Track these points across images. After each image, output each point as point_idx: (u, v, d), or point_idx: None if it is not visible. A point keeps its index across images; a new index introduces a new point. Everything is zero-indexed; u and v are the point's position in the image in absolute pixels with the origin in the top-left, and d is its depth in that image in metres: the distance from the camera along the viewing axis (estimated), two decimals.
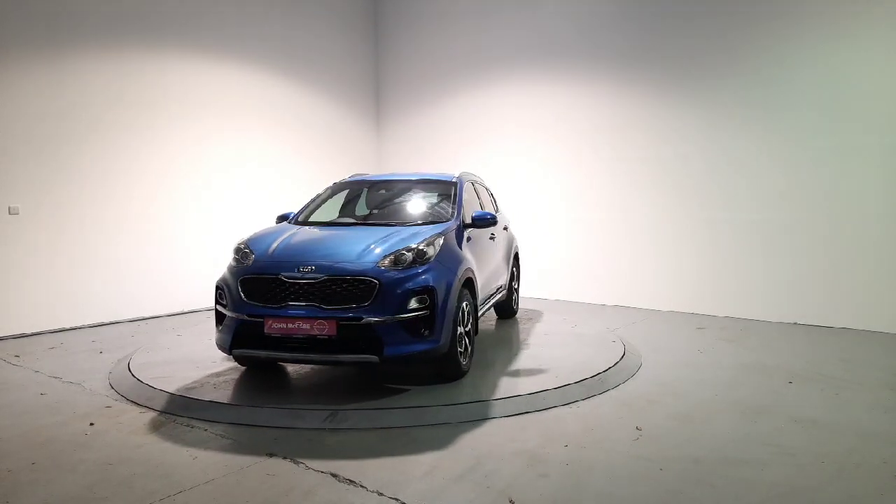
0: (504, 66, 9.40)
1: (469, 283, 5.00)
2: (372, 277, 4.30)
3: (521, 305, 7.90)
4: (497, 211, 7.03)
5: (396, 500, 3.03)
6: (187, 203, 8.21)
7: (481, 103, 9.70)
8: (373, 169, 10.73)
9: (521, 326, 6.94)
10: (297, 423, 4.02)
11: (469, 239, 5.37)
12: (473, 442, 3.74)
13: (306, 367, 5.20)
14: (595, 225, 8.70)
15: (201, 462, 3.48)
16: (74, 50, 7.09)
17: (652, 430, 3.91)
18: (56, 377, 5.17)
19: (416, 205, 5.85)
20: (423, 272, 4.45)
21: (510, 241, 7.16)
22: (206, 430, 3.96)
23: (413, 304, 4.34)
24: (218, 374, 5.00)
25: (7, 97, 6.62)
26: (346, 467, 3.39)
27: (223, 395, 4.50)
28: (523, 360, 5.41)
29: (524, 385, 4.66)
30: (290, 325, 4.27)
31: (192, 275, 8.07)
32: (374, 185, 6.29)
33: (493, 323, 7.13)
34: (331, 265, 4.37)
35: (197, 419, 4.13)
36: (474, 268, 5.20)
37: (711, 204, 7.72)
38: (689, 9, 7.73)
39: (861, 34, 6.67)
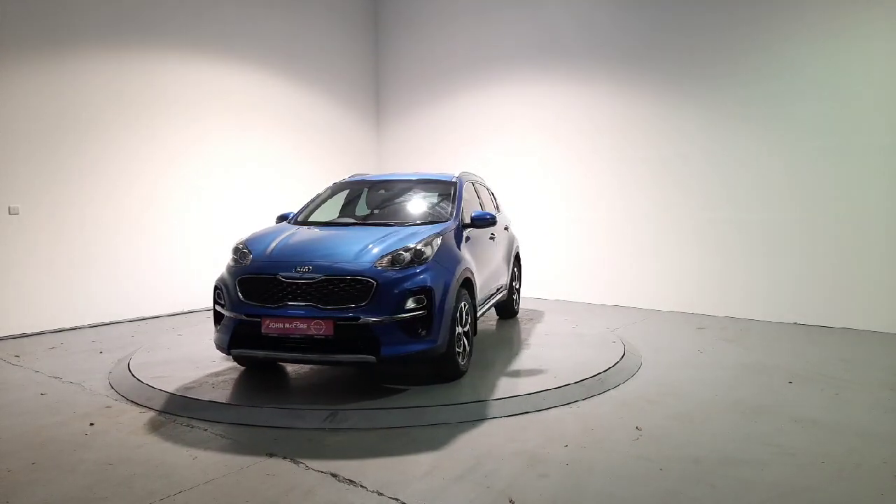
0: (504, 66, 9.40)
1: (468, 284, 4.99)
2: (369, 277, 4.30)
3: (521, 305, 7.90)
4: (498, 211, 7.02)
5: (396, 500, 3.03)
6: (187, 203, 8.21)
7: (481, 103, 9.70)
8: (373, 169, 10.73)
9: (522, 326, 6.93)
10: (297, 423, 4.02)
11: (468, 239, 5.36)
12: (473, 442, 3.74)
13: (305, 367, 5.20)
14: (595, 225, 8.70)
15: (201, 462, 3.48)
16: (74, 49, 7.09)
17: (652, 431, 3.91)
18: (56, 377, 5.17)
19: (416, 205, 5.84)
20: (421, 272, 4.45)
21: (511, 242, 7.15)
22: (206, 430, 3.96)
23: (410, 304, 4.34)
24: (217, 374, 5.00)
25: (7, 97, 6.62)
26: (346, 467, 3.38)
27: (223, 395, 4.50)
28: (523, 360, 5.41)
29: (524, 385, 4.66)
30: (287, 325, 4.27)
31: (192, 275, 8.07)
32: (373, 185, 6.28)
33: (494, 323, 7.13)
34: (328, 265, 4.37)
35: (197, 419, 4.13)
36: (473, 268, 5.20)
37: (712, 204, 7.72)
38: (689, 8, 7.73)
39: (862, 33, 6.66)
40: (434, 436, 3.84)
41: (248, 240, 4.94)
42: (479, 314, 5.46)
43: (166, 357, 5.55)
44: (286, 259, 4.51)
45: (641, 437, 3.80)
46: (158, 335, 6.67)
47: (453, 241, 5.04)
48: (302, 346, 4.31)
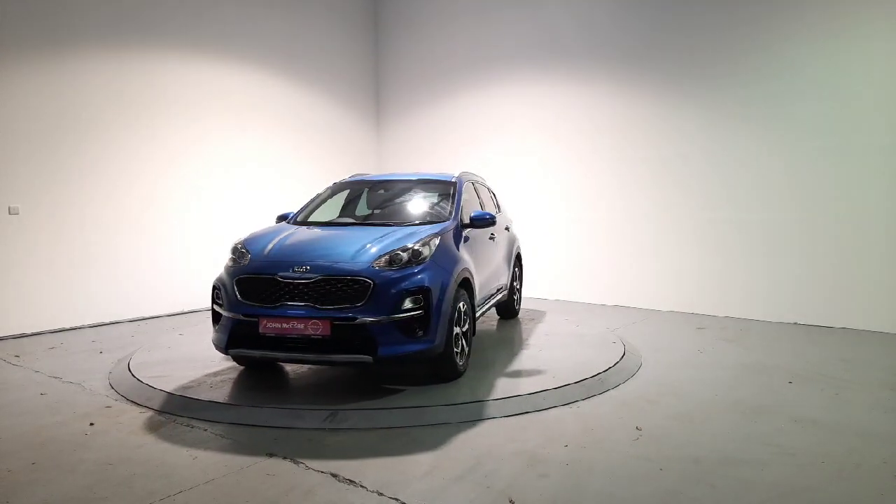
0: (504, 66, 9.40)
1: (466, 284, 4.99)
2: (366, 277, 4.30)
3: (522, 305, 7.89)
4: (498, 211, 7.02)
5: (396, 500, 3.03)
6: (187, 203, 8.21)
7: (481, 103, 9.70)
8: (373, 169, 10.73)
9: (522, 327, 6.94)
10: (297, 423, 4.02)
11: (467, 239, 5.36)
12: (473, 442, 3.74)
13: (305, 367, 5.21)
14: (595, 225, 8.70)
15: (201, 462, 3.48)
16: (74, 49, 7.09)
17: (652, 431, 3.91)
18: (56, 377, 5.17)
19: (415, 205, 5.84)
20: (419, 272, 4.45)
21: (511, 242, 7.15)
22: (205, 430, 3.96)
23: (407, 304, 4.33)
24: (217, 374, 5.00)
25: (7, 97, 6.62)
26: (346, 467, 3.38)
27: (223, 394, 4.50)
28: (523, 360, 5.41)
29: (524, 385, 4.66)
30: (284, 325, 4.28)
31: (192, 275, 8.07)
32: (373, 185, 6.28)
33: (495, 323, 7.13)
34: (325, 265, 4.37)
35: (197, 419, 4.13)
36: (472, 268, 5.19)
37: (712, 204, 7.73)
38: (689, 8, 7.73)
39: (862, 33, 6.66)
40: (434, 436, 3.84)
41: (246, 240, 4.94)
42: (478, 314, 5.45)
43: (166, 357, 5.55)
44: (284, 259, 4.51)
45: (641, 437, 3.80)
46: (158, 335, 6.67)
47: (452, 241, 5.03)
48: (299, 346, 4.31)
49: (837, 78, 6.82)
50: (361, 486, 3.17)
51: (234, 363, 5.23)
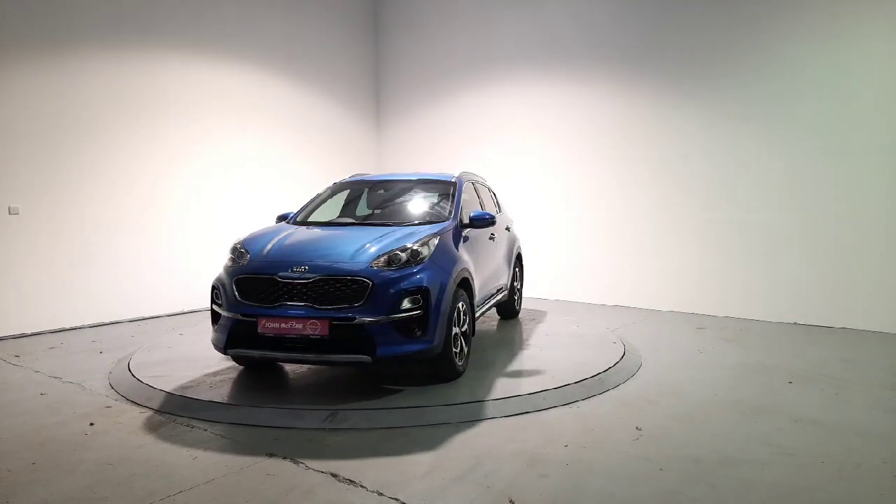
0: (504, 66, 9.40)
1: (465, 284, 4.98)
2: (365, 277, 4.30)
3: (522, 305, 7.89)
4: (499, 211, 7.02)
5: (396, 500, 3.03)
6: (187, 203, 8.21)
7: (481, 103, 9.70)
8: (373, 169, 10.73)
9: (522, 327, 6.93)
10: (297, 423, 4.02)
11: (466, 239, 5.36)
12: (473, 442, 3.74)
13: (304, 367, 5.21)
14: (595, 225, 8.70)
15: (201, 462, 3.48)
16: (74, 49, 7.09)
17: (652, 431, 3.91)
18: (56, 377, 5.17)
19: (414, 205, 5.84)
20: (417, 272, 4.44)
21: (512, 242, 7.14)
22: (205, 430, 3.96)
23: (406, 304, 4.33)
24: (217, 374, 5.00)
25: (6, 97, 6.62)
26: (346, 467, 3.38)
27: (223, 394, 4.50)
28: (523, 360, 5.41)
29: (524, 385, 4.66)
30: (282, 325, 4.28)
31: (192, 275, 8.07)
32: (373, 185, 6.28)
33: (496, 323, 7.13)
34: (324, 265, 4.37)
35: (197, 419, 4.13)
36: (471, 268, 5.19)
37: (712, 204, 7.73)
38: (689, 8, 7.73)
39: (862, 33, 6.67)
40: (434, 436, 3.84)
41: (245, 240, 4.95)
42: (477, 314, 5.45)
43: (166, 357, 5.55)
44: (283, 259, 4.51)
45: (641, 437, 3.80)
46: (158, 335, 6.67)
47: (451, 241, 5.03)
48: (298, 346, 4.31)
49: (837, 78, 6.82)
50: (361, 486, 3.17)
51: (234, 363, 5.23)
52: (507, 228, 7.06)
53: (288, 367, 5.24)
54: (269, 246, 4.73)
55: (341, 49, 10.31)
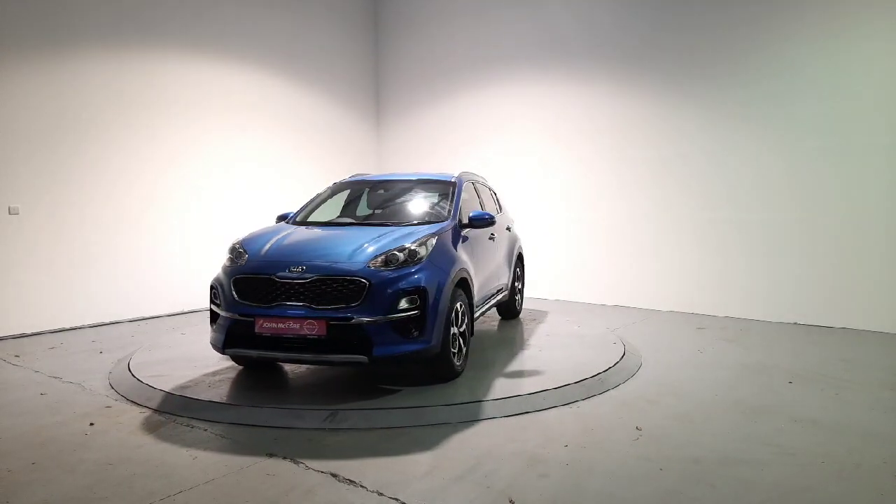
0: (504, 65, 9.40)
1: (464, 284, 4.98)
2: (362, 277, 4.30)
3: (523, 306, 7.89)
4: (500, 212, 7.02)
5: (396, 500, 3.03)
6: (187, 203, 8.21)
7: (481, 102, 9.70)
8: (373, 169, 10.73)
9: (523, 327, 6.93)
10: (297, 423, 4.02)
11: (466, 239, 5.36)
12: (473, 442, 3.74)
13: (304, 367, 5.21)
14: (595, 225, 8.70)
15: (201, 462, 3.48)
16: (74, 49, 7.10)
17: (652, 431, 3.91)
18: (56, 377, 5.17)
19: (413, 205, 5.84)
20: (415, 272, 4.44)
21: (513, 242, 7.14)
22: (205, 430, 3.96)
23: (403, 304, 4.33)
24: (217, 374, 5.00)
25: (6, 97, 6.62)
26: (346, 467, 3.38)
27: (223, 394, 4.50)
28: (524, 361, 5.41)
29: (524, 385, 4.66)
30: (280, 325, 4.28)
31: (192, 275, 8.07)
32: (372, 185, 6.28)
33: (496, 323, 7.13)
34: (321, 265, 4.37)
35: (197, 419, 4.13)
36: (470, 268, 5.19)
37: (712, 204, 7.73)
38: (689, 8, 7.73)
39: (862, 33, 6.67)
40: (434, 436, 3.84)
41: (244, 240, 4.95)
42: (476, 315, 5.45)
43: (166, 357, 5.55)
44: (281, 259, 4.51)
45: (641, 437, 3.80)
46: (159, 335, 6.67)
47: (450, 241, 5.03)
48: (295, 346, 4.31)
49: (837, 78, 6.82)
50: (361, 486, 3.17)
51: (234, 363, 5.23)
52: (508, 228, 7.05)
53: (287, 366, 5.24)
54: (267, 246, 4.73)
55: (341, 49, 10.31)
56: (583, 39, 8.65)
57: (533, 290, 9.08)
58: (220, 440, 3.79)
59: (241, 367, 5.18)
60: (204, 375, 4.96)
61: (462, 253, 5.15)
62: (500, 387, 4.62)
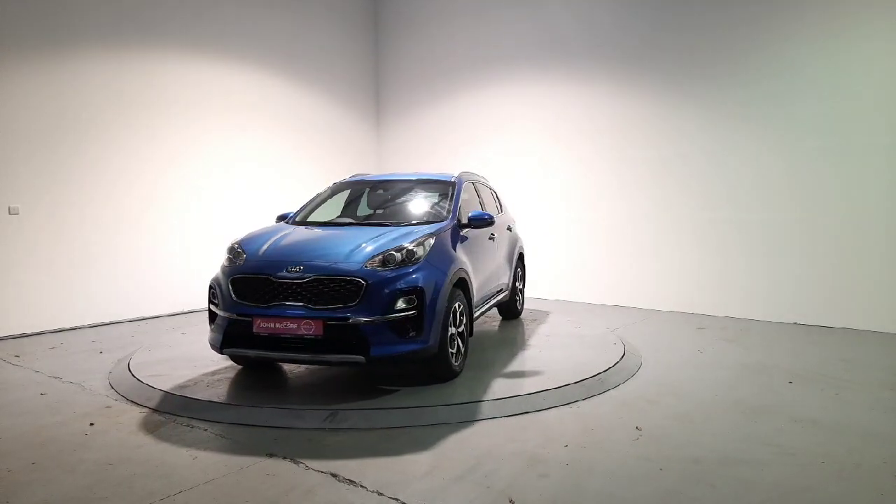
0: (504, 65, 9.40)
1: (462, 284, 4.98)
2: (359, 277, 4.30)
3: (524, 306, 7.89)
4: (500, 212, 7.01)
5: (396, 500, 3.03)
6: (187, 202, 8.21)
7: (481, 102, 9.70)
8: (373, 168, 10.73)
9: (523, 327, 6.93)
10: (297, 423, 4.02)
11: (465, 239, 5.35)
12: (473, 442, 3.74)
13: (303, 367, 5.21)
14: (595, 225, 8.70)
15: (201, 462, 3.48)
16: (74, 49, 7.10)
17: (652, 431, 3.91)
18: (56, 377, 5.17)
19: (413, 205, 5.84)
20: (412, 272, 4.44)
21: (513, 242, 7.13)
22: (205, 429, 3.96)
23: (400, 304, 4.33)
24: (217, 374, 5.00)
25: (6, 96, 6.62)
26: (346, 467, 3.38)
27: (223, 394, 4.51)
28: (524, 361, 5.41)
29: (524, 385, 4.66)
30: (277, 325, 4.28)
31: (192, 275, 8.07)
32: (372, 185, 6.28)
33: (497, 323, 7.13)
34: (318, 265, 4.37)
35: (197, 419, 4.13)
36: (469, 268, 5.18)
37: (712, 204, 7.73)
38: (689, 8, 7.73)
39: (862, 33, 6.66)
40: (434, 436, 3.84)
41: (242, 240, 4.95)
42: (476, 315, 5.45)
43: (166, 357, 5.55)
44: (278, 259, 4.52)
45: (641, 437, 3.80)
46: (159, 335, 6.67)
47: (448, 241, 5.03)
48: (293, 346, 4.32)
49: (837, 78, 6.81)
50: (361, 486, 3.17)
51: (234, 363, 5.23)
52: (509, 228, 7.05)
53: (287, 366, 5.24)
54: (265, 246, 4.73)
55: (341, 49, 10.31)
56: (583, 39, 8.65)
57: (533, 290, 9.08)
58: (220, 440, 3.79)
59: (240, 367, 5.18)
60: (204, 375, 4.96)
61: (461, 253, 5.14)
62: (500, 387, 4.62)
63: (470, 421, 4.07)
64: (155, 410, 4.32)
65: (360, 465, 3.42)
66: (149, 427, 4.01)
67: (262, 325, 4.31)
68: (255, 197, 8.93)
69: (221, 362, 5.32)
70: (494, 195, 7.12)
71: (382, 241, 4.64)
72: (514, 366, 5.24)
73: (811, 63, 6.96)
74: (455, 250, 5.06)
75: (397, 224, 5.22)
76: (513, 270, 6.98)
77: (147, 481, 3.24)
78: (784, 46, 7.10)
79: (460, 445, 3.69)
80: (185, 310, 8.17)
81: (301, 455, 3.55)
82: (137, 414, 4.27)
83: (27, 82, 6.75)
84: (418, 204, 5.81)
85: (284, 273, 4.35)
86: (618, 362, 5.25)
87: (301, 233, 5.09)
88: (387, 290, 4.30)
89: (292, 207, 6.92)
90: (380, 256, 4.44)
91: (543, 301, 8.89)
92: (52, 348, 6.19)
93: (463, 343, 4.96)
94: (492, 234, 6.18)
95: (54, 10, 6.92)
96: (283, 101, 9.37)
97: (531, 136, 9.22)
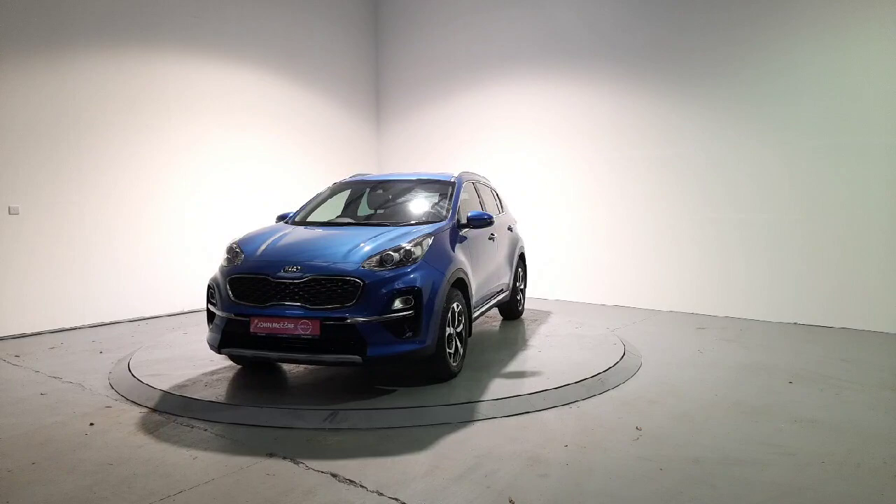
0: (505, 65, 9.40)
1: (461, 284, 4.97)
2: (356, 277, 4.29)
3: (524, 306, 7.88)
4: (501, 212, 7.01)
5: (396, 500, 3.03)
6: (187, 202, 8.21)
7: (482, 102, 9.70)
8: (373, 168, 10.73)
9: (523, 327, 6.93)
10: (297, 423, 4.02)
11: (464, 239, 5.35)
12: (473, 442, 3.74)
13: (302, 367, 5.21)
14: (596, 225, 8.70)
15: (201, 462, 3.48)
16: (73, 48, 7.10)
17: (652, 431, 3.91)
18: (56, 377, 5.17)
19: (412, 205, 5.83)
20: (410, 272, 4.44)
21: (514, 242, 7.13)
22: (205, 429, 3.96)
23: (398, 304, 4.32)
24: (217, 374, 5.00)
25: (6, 96, 6.62)
26: (346, 467, 3.38)
27: (223, 394, 4.51)
28: (524, 361, 5.41)
29: (524, 385, 4.66)
30: (274, 325, 4.28)
31: (192, 275, 8.06)
32: (372, 185, 6.28)
33: (497, 324, 7.13)
34: (316, 265, 4.37)
35: (197, 419, 4.13)
36: (468, 268, 5.18)
37: (712, 204, 7.73)
38: (690, 8, 7.73)
39: (862, 33, 6.66)
40: (434, 436, 3.84)
41: (241, 240, 4.96)
42: (475, 315, 5.44)
43: (166, 357, 5.55)
44: (276, 259, 4.52)
45: (641, 437, 3.80)
46: (158, 335, 6.67)
47: (447, 241, 5.02)
48: (290, 346, 4.31)
49: (838, 77, 6.81)
50: (361, 486, 3.16)
51: (233, 363, 5.23)
52: (510, 228, 7.04)
53: (286, 366, 5.24)
54: (263, 246, 4.73)
55: (341, 49, 10.31)
56: (583, 39, 8.65)
57: (533, 290, 9.08)
58: (220, 440, 3.79)
59: (240, 367, 5.18)
60: (204, 375, 4.96)
61: (460, 253, 5.14)
62: (501, 387, 4.62)
63: (470, 421, 4.07)
64: (155, 410, 4.32)
65: (360, 465, 3.42)
66: (149, 427, 4.01)
67: (260, 325, 4.31)
68: (255, 197, 8.93)
69: (221, 362, 5.32)
70: (495, 195, 7.11)
71: (380, 241, 4.64)
72: (515, 366, 5.24)
73: (811, 63, 6.96)
74: (454, 250, 5.05)
75: (396, 224, 5.21)
76: (513, 271, 6.97)
77: (147, 481, 3.24)
78: (784, 46, 7.10)
79: (460, 445, 3.69)
80: (185, 310, 8.17)
81: (301, 455, 3.55)
82: (137, 414, 4.27)
83: (27, 82, 6.75)
84: (418, 204, 5.81)
85: (282, 273, 4.35)
86: (618, 362, 5.25)
87: (299, 233, 5.09)
88: (384, 291, 4.30)
89: (292, 207, 6.92)
90: (377, 256, 4.44)
91: (543, 301, 8.89)
92: (52, 348, 6.19)
93: (461, 343, 4.96)
94: (492, 234, 6.18)
95: (54, 10, 6.91)
96: (282, 101, 9.37)
97: (532, 136, 9.22)
